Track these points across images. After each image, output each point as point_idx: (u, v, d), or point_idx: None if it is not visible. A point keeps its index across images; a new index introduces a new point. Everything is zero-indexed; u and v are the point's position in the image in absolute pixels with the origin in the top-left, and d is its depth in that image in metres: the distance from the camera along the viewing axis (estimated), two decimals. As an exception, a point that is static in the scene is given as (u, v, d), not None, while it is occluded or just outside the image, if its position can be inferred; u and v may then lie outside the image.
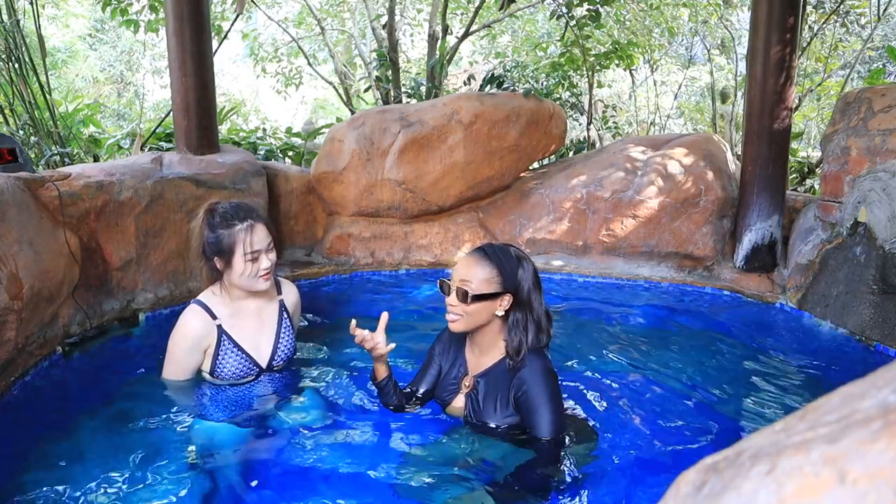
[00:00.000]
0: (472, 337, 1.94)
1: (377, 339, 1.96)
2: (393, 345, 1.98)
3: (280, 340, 2.35)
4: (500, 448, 1.85)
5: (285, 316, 2.40)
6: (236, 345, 2.26)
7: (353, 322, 1.96)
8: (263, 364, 2.32)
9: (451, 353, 2.06)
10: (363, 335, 1.95)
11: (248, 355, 2.28)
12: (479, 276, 1.82)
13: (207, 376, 2.29)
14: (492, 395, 1.87)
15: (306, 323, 3.12)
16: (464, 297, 1.82)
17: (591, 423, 2.09)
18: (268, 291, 2.37)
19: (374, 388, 2.11)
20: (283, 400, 2.25)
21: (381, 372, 2.04)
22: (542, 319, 1.89)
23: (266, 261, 2.21)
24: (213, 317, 2.25)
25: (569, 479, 1.77)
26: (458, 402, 1.99)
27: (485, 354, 1.92)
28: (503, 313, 1.85)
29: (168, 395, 2.26)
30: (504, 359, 1.88)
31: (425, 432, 2.00)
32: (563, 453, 1.80)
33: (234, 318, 2.29)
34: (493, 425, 1.86)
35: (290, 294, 2.48)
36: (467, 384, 1.96)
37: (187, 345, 2.24)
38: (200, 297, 2.31)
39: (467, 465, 1.81)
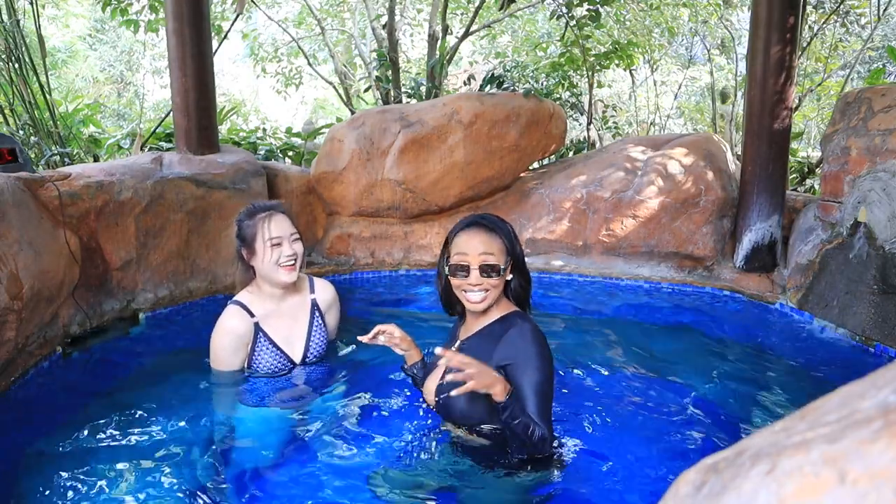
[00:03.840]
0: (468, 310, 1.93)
1: (388, 328, 2.01)
2: (399, 332, 2.03)
3: (312, 338, 2.42)
4: (472, 441, 1.82)
5: (317, 314, 2.46)
6: (271, 342, 2.33)
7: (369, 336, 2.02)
8: (297, 360, 2.40)
9: (451, 332, 2.07)
10: (377, 329, 2.01)
11: (282, 352, 2.35)
12: (497, 248, 1.81)
13: (250, 371, 2.37)
14: (474, 355, 1.75)
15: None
16: (491, 271, 1.77)
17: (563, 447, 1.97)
18: (299, 290, 2.43)
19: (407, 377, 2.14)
20: (297, 396, 2.27)
21: (412, 357, 2.08)
22: (529, 278, 1.93)
23: (289, 249, 2.27)
24: (251, 315, 2.32)
25: (567, 479, 1.77)
26: (437, 374, 1.93)
27: (477, 322, 1.90)
28: (510, 277, 1.87)
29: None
30: (492, 323, 1.86)
31: (434, 427, 1.99)
32: (548, 423, 1.69)
33: (270, 316, 2.36)
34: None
35: (324, 293, 2.52)
36: (453, 349, 1.90)
37: (230, 345, 2.31)
38: (238, 297, 2.38)
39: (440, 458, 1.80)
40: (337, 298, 2.58)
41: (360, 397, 2.25)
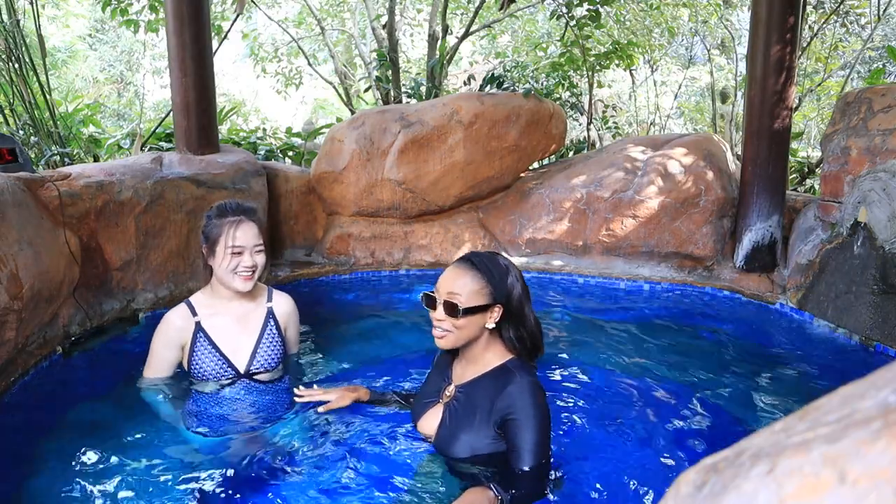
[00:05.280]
0: (461, 349, 1.83)
1: (322, 398, 2.04)
2: (333, 397, 2.03)
3: (261, 346, 2.30)
4: (470, 479, 1.72)
5: (272, 323, 2.35)
6: (212, 343, 2.24)
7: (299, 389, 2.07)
8: (241, 367, 2.26)
9: (443, 362, 1.97)
10: (310, 398, 2.05)
11: (223, 356, 2.24)
12: (468, 288, 1.69)
13: (192, 378, 2.28)
14: (472, 408, 1.74)
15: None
16: (453, 310, 1.69)
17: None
18: (255, 297, 2.35)
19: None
20: (258, 412, 2.17)
21: (364, 397, 2.08)
22: (535, 331, 1.78)
23: (249, 260, 2.19)
24: (194, 313, 2.26)
25: (566, 480, 1.77)
26: (434, 416, 1.86)
27: (470, 366, 1.82)
28: (493, 326, 1.73)
29: (157, 398, 2.21)
30: (490, 371, 1.77)
31: (410, 454, 1.88)
32: (544, 481, 1.66)
33: (215, 318, 2.27)
34: (466, 443, 1.72)
35: (282, 304, 2.42)
36: (448, 394, 1.85)
37: (163, 339, 2.25)
38: (191, 296, 2.33)
39: (431, 491, 1.72)
40: (296, 311, 2.48)
41: (324, 416, 2.11)
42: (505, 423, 1.67)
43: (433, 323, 1.75)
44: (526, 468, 1.60)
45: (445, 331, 1.73)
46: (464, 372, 1.84)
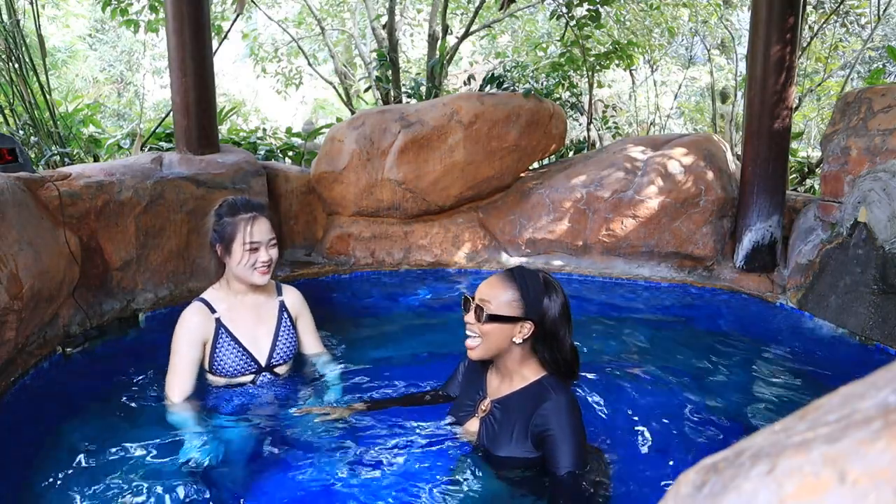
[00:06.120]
0: (495, 362, 1.84)
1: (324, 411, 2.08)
2: (333, 413, 2.07)
3: (279, 338, 2.36)
4: (511, 482, 1.75)
5: (285, 315, 2.41)
6: (234, 338, 2.27)
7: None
8: (262, 361, 2.32)
9: (474, 373, 1.98)
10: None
11: (245, 350, 2.28)
12: (499, 297, 1.73)
13: (209, 375, 2.30)
14: (509, 424, 1.76)
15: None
16: (479, 315, 1.73)
17: (603, 450, 1.95)
18: (267, 289, 2.40)
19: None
20: (284, 405, 2.20)
21: (360, 408, 2.10)
22: (570, 357, 1.77)
23: (265, 255, 2.25)
24: (212, 311, 2.28)
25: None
26: (472, 426, 1.89)
27: (505, 380, 1.83)
28: (521, 341, 1.74)
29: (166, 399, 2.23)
30: (526, 387, 1.78)
31: (428, 453, 1.89)
32: (582, 491, 1.69)
33: (233, 313, 2.31)
34: (505, 455, 1.75)
35: (291, 296, 2.48)
36: (484, 408, 1.86)
37: (187, 339, 2.25)
38: (203, 294, 2.35)
39: (473, 493, 1.73)
40: (305, 303, 2.52)
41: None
42: (542, 438, 1.69)
43: (465, 328, 1.79)
44: (563, 484, 1.64)
45: (473, 334, 1.77)
46: (499, 386, 1.85)
